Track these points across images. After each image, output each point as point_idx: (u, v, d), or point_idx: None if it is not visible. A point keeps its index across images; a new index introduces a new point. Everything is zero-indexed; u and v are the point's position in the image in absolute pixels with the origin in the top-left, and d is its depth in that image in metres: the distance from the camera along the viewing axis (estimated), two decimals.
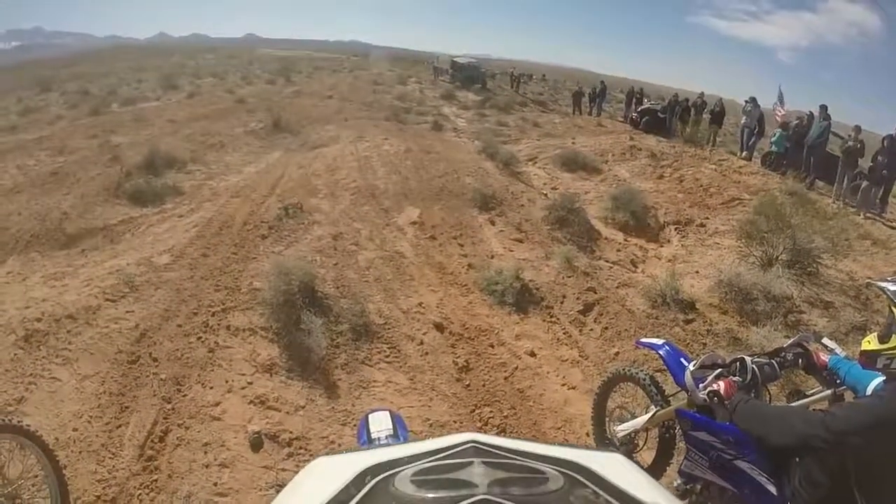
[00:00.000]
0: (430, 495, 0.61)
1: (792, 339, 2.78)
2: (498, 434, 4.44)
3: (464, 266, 6.99)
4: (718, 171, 12.61)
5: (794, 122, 14.25)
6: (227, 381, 4.69)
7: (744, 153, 15.07)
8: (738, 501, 2.44)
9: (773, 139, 14.61)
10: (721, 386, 2.40)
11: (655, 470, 3.44)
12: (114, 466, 3.88)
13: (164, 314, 5.48)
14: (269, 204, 8.21)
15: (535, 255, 7.57)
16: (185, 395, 4.55)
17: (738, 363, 2.54)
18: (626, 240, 9.01)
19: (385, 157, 10.94)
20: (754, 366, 2.51)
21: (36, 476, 3.33)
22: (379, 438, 1.60)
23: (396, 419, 1.72)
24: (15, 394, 4.31)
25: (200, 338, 5.15)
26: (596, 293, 6.66)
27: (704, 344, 5.90)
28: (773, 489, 2.23)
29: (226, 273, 6.22)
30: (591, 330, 6.08)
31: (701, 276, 7.67)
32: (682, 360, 2.99)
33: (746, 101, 15.65)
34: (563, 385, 5.15)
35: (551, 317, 6.20)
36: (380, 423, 1.67)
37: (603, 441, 4.02)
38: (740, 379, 2.47)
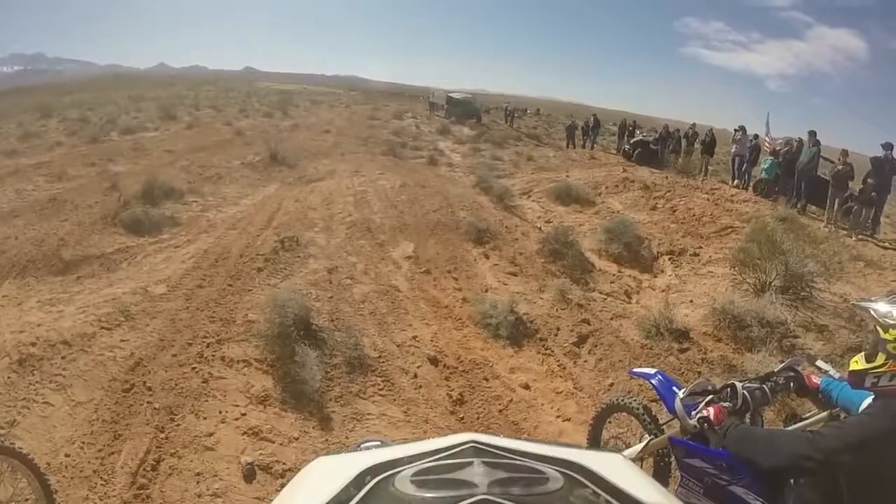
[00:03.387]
0: (431, 495, 0.62)
1: (783, 364, 2.82)
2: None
3: (458, 300, 7.08)
4: (711, 199, 12.80)
5: (784, 150, 14.53)
6: (220, 412, 4.71)
7: (735, 181, 15.34)
8: None
9: (763, 167, 14.87)
10: (711, 412, 2.43)
11: None
12: (105, 493, 3.86)
13: (159, 344, 5.51)
14: (265, 236, 8.31)
15: (530, 288, 7.66)
16: (178, 425, 4.54)
17: (728, 389, 2.57)
18: (619, 271, 9.10)
19: (381, 192, 11.13)
20: (745, 391, 2.53)
21: (27, 500, 3.32)
22: None
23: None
24: (7, 417, 4.30)
25: (195, 368, 5.17)
26: (590, 325, 6.72)
27: (699, 372, 5.93)
28: None
29: (221, 305, 6.28)
30: (586, 362, 6.12)
31: (695, 306, 7.75)
32: (674, 388, 3.03)
33: (736, 130, 15.98)
34: (558, 417, 5.18)
35: (546, 349, 6.25)
36: None
37: None
38: (730, 405, 2.49)
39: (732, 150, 16.01)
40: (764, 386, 2.64)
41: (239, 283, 6.84)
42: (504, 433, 4.82)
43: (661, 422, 3.32)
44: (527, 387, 5.58)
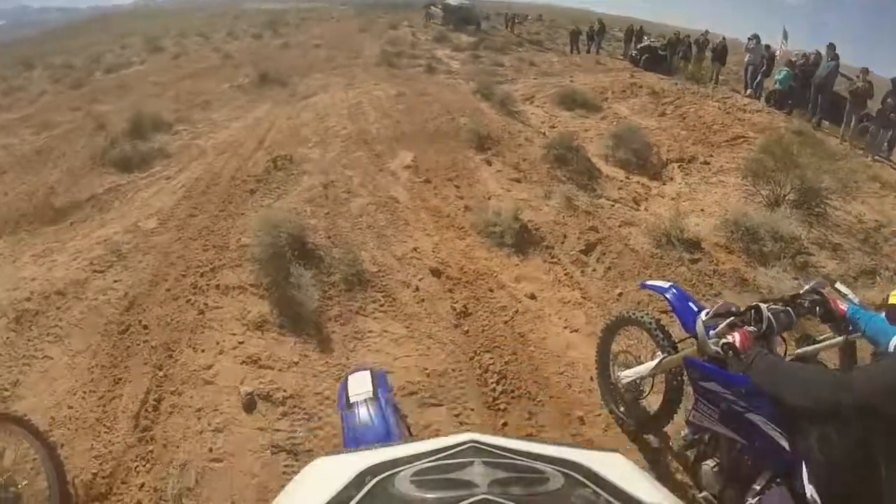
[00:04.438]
0: (431, 495, 0.61)
1: (808, 286, 2.64)
2: (498, 381, 4.24)
3: (460, 208, 6.68)
4: (722, 108, 12.17)
5: (801, 61, 13.94)
6: (218, 343, 4.52)
7: (748, 91, 14.65)
8: (748, 454, 2.32)
9: (777, 77, 14.19)
10: (736, 338, 2.23)
11: (661, 418, 3.39)
12: (109, 441, 3.77)
13: (153, 280, 5.30)
14: (257, 158, 7.91)
15: (534, 194, 7.23)
16: (176, 361, 4.39)
17: (752, 311, 2.37)
18: (627, 178, 8.62)
19: (376, 103, 10.52)
20: (770, 314, 2.34)
21: (33, 460, 3.31)
22: (357, 402, 1.52)
23: (379, 378, 1.64)
24: (10, 377, 4.21)
25: (190, 300, 4.96)
26: (598, 232, 6.36)
27: (711, 284, 5.67)
28: (786, 444, 2.09)
29: (213, 232, 5.99)
30: (594, 270, 5.79)
31: (706, 215, 7.36)
32: (690, 304, 2.84)
33: (749, 38, 15.27)
34: (566, 328, 4.90)
35: (552, 258, 5.92)
36: (359, 385, 1.59)
37: (607, 387, 3.89)
38: (755, 329, 2.30)
39: (746, 59, 15.29)
40: (788, 308, 2.46)
41: (231, 207, 6.51)
42: (511, 344, 4.61)
43: (674, 339, 3.14)
44: (533, 297, 5.28)
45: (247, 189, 6.86)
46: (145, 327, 4.72)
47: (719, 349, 2.30)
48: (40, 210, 7.56)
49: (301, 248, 5.28)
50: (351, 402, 1.53)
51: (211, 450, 3.73)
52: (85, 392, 4.07)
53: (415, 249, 5.67)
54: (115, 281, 5.33)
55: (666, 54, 17.78)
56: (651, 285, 3.30)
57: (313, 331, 4.57)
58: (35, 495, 3.26)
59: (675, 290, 3.02)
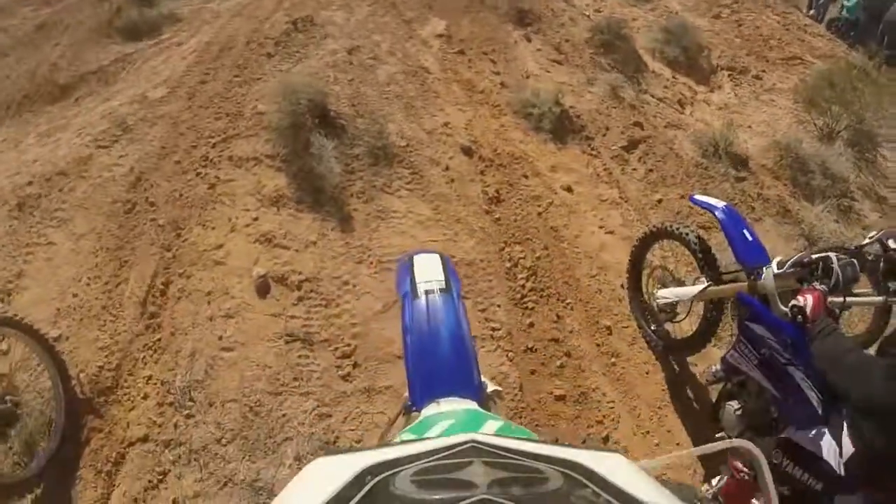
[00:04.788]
0: (431, 495, 0.57)
1: (872, 235, 2.59)
2: (528, 277, 3.89)
3: (496, 84, 5.93)
4: (782, 23, 10.73)
5: None
6: (229, 220, 4.10)
7: (810, 11, 12.99)
8: (777, 406, 2.24)
9: (846, 2, 12.70)
10: (808, 302, 2.06)
11: (692, 346, 3.27)
12: (115, 330, 3.54)
13: (161, 153, 4.82)
14: (275, 19, 7.10)
15: (576, 79, 6.44)
16: (185, 240, 4.03)
17: (821, 263, 2.22)
18: (674, 77, 7.69)
19: None
20: (839, 268, 2.18)
21: (35, 363, 3.25)
22: (428, 291, 1.29)
23: (449, 266, 1.39)
24: (14, 269, 3.96)
25: (200, 173, 4.49)
26: (642, 130, 5.70)
27: (753, 207, 5.21)
28: (819, 409, 2.00)
29: (227, 99, 5.39)
30: (634, 170, 5.23)
31: (754, 133, 6.68)
32: (744, 231, 2.65)
33: None
34: (601, 228, 4.46)
35: (592, 149, 5.31)
36: (428, 271, 1.34)
37: (638, 300, 3.65)
38: (824, 287, 2.14)
39: None
40: (854, 261, 2.26)
41: (246, 72, 5.85)
42: (543, 238, 4.20)
43: (720, 265, 2.94)
44: (569, 189, 4.76)
45: (263, 53, 6.15)
46: (152, 204, 4.34)
47: (788, 310, 2.13)
48: (44, 88, 7.04)
49: (323, 117, 4.67)
50: (418, 288, 1.30)
51: (221, 338, 3.48)
52: (90, 278, 3.83)
53: (445, 125, 5.03)
54: (121, 156, 4.88)
55: None
56: (702, 201, 2.95)
57: (333, 208, 4.09)
58: (38, 399, 3.18)
59: (728, 212, 2.76)
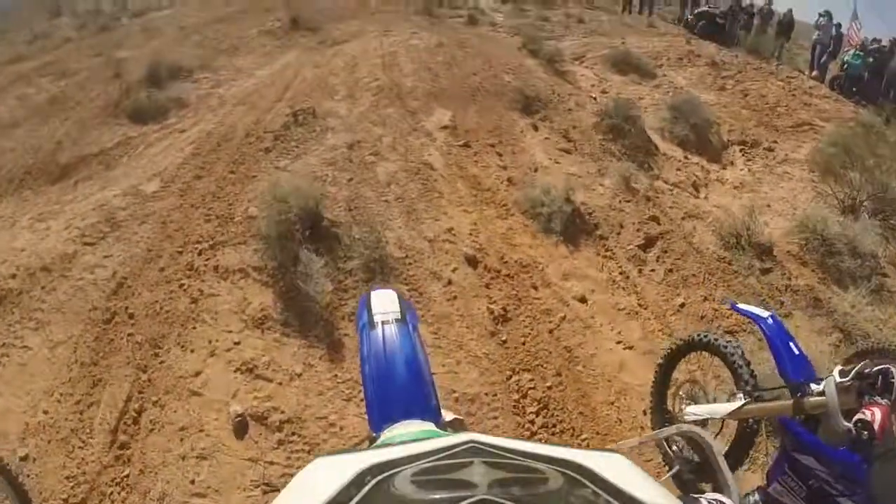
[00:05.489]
0: (430, 496, 0.56)
1: None
2: (538, 412, 3.59)
3: (503, 181, 5.75)
4: (787, 89, 10.91)
5: (874, 47, 12.72)
6: (210, 342, 3.82)
7: (814, 73, 13.17)
8: None
9: (847, 58, 12.87)
10: (876, 417, 1.79)
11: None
12: (83, 459, 3.26)
13: (146, 256, 4.60)
14: (277, 110, 7.03)
15: (587, 169, 6.29)
16: (162, 362, 3.76)
17: (881, 375, 1.94)
18: (686, 157, 7.63)
19: (413, 53, 9.36)
20: None
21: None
22: (383, 322, 1.32)
23: (406, 303, 1.43)
24: None
25: (183, 284, 4.25)
26: (659, 224, 5.50)
27: (781, 302, 4.93)
28: None
29: (219, 198, 5.21)
30: (653, 271, 4.99)
31: (774, 213, 6.53)
32: (791, 344, 2.40)
33: (821, 15, 13.87)
34: (619, 343, 4.16)
35: (606, 250, 5.09)
36: (384, 304, 1.39)
37: (662, 420, 3.25)
38: (887, 401, 1.88)
39: (814, 37, 13.83)
40: None
41: (242, 168, 5.70)
42: (556, 361, 3.89)
43: (757, 378, 2.61)
44: (583, 300, 4.48)
45: (262, 147, 6.02)
46: (131, 316, 4.11)
47: (852, 426, 1.85)
48: (46, 167, 6.96)
49: (315, 227, 4.44)
50: (375, 320, 1.34)
51: (193, 482, 3.17)
52: (62, 395, 3.58)
53: (449, 230, 4.79)
54: (105, 256, 4.67)
55: (725, 22, 15.89)
56: (744, 310, 2.70)
57: (322, 332, 3.81)
58: None
59: (774, 323, 2.51)
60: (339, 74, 8.22)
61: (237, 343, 3.75)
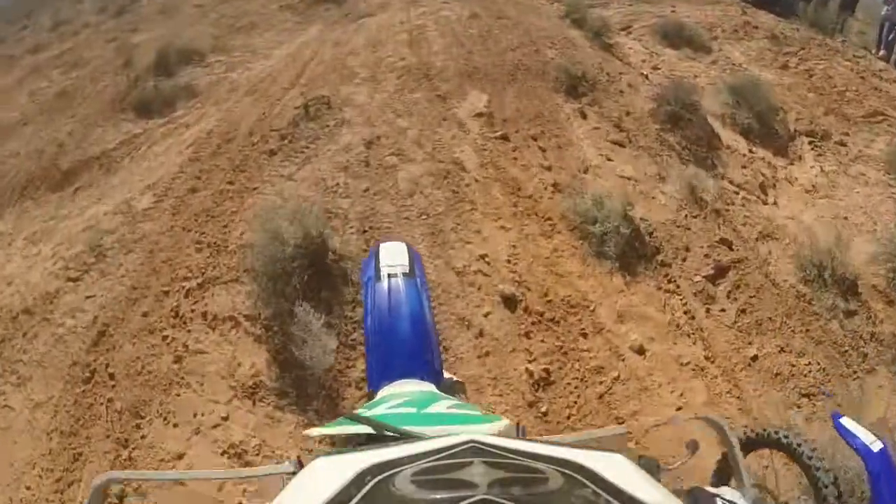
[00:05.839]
0: (431, 496, 0.57)
1: None
2: None
3: (546, 185, 4.83)
4: (855, 70, 9.33)
5: None
6: (195, 415, 3.20)
7: (881, 52, 11.51)
8: None
9: None
10: None
11: None
12: None
13: (129, 296, 4.03)
14: (287, 100, 6.24)
15: (644, 170, 5.32)
16: (143, 437, 3.24)
17: None
18: (750, 151, 6.52)
19: (444, 26, 8.28)
20: None
21: None
22: (390, 274, 1.34)
23: (415, 255, 1.42)
24: None
25: (167, 337, 3.63)
26: (731, 250, 4.55)
27: (865, 354, 4.06)
28: None
29: (214, 217, 4.50)
30: (723, 311, 4.09)
31: (853, 228, 5.40)
32: None
33: None
34: (680, 409, 3.43)
35: (669, 281, 4.19)
36: (393, 257, 1.38)
37: None
38: None
39: (884, 12, 11.99)
40: None
41: (243, 177, 4.97)
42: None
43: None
44: (641, 351, 3.67)
45: (266, 150, 5.25)
46: (112, 377, 3.61)
47: None
48: (48, 172, 6.56)
49: (318, 262, 3.68)
50: (382, 271, 1.33)
51: None
52: (43, 469, 3.26)
53: (482, 257, 3.95)
54: (88, 297, 4.17)
55: None
56: (849, 432, 2.08)
57: (324, 406, 3.13)
58: None
59: (883, 457, 1.99)
60: (360, 54, 7.35)
61: (225, 418, 3.10)
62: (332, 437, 1.38)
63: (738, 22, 11.01)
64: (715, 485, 1.15)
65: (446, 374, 1.22)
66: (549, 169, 5.04)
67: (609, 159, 5.32)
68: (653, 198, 4.81)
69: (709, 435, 1.03)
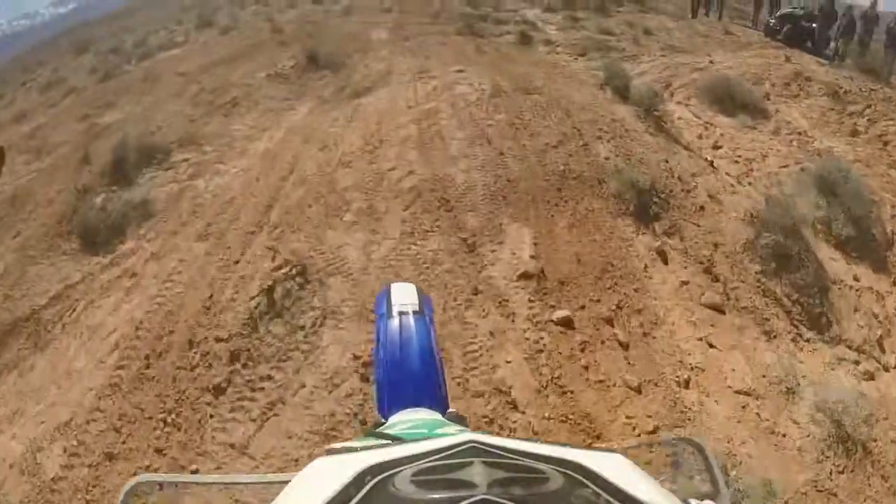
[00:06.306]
0: (430, 496, 0.56)
1: None
2: None
3: (637, 424, 3.18)
4: None
5: None
6: None
7: None
8: None
9: None
10: None
11: None
12: None
13: None
14: (248, 258, 4.59)
15: (759, 360, 3.78)
16: None
17: None
18: (856, 280, 5.01)
19: (462, 109, 6.50)
20: None
21: None
22: (402, 313, 1.35)
23: (424, 296, 1.45)
24: None
25: None
26: None
27: None
28: None
29: None
30: None
31: None
32: None
33: None
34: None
35: None
36: (404, 296, 1.42)
37: None
38: None
39: None
40: None
41: (175, 440, 3.29)
42: None
43: None
44: None
45: (209, 383, 3.51)
46: None
47: None
48: None
49: None
50: (394, 310, 1.35)
51: None
52: None
53: None
54: None
55: (811, 26, 13.09)
56: None
57: None
58: None
59: None
60: (352, 164, 5.68)
61: None
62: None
63: (786, 72, 9.40)
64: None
65: (451, 409, 1.20)
66: (637, 390, 3.32)
67: (711, 345, 3.66)
68: (775, 433, 3.11)
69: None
